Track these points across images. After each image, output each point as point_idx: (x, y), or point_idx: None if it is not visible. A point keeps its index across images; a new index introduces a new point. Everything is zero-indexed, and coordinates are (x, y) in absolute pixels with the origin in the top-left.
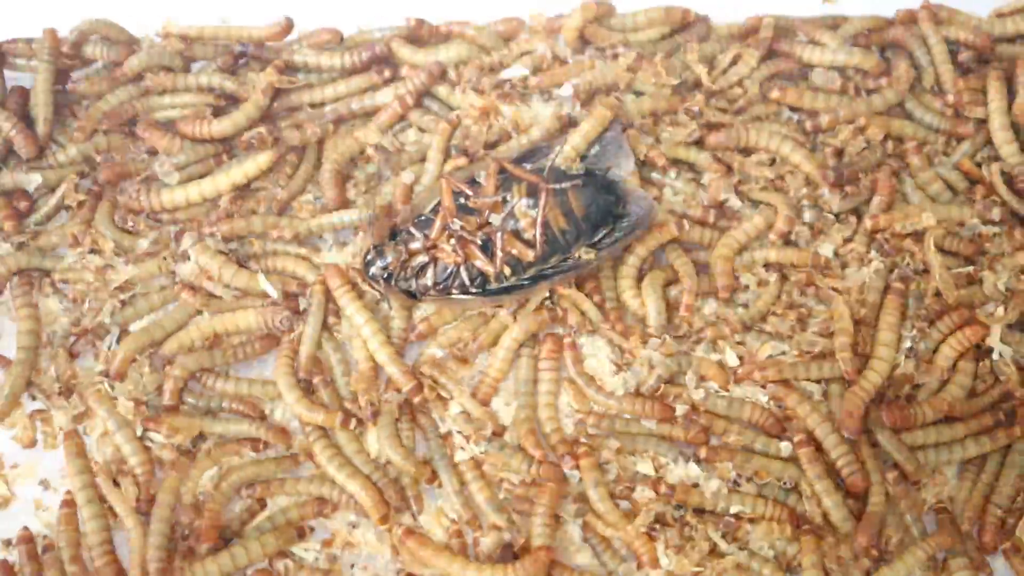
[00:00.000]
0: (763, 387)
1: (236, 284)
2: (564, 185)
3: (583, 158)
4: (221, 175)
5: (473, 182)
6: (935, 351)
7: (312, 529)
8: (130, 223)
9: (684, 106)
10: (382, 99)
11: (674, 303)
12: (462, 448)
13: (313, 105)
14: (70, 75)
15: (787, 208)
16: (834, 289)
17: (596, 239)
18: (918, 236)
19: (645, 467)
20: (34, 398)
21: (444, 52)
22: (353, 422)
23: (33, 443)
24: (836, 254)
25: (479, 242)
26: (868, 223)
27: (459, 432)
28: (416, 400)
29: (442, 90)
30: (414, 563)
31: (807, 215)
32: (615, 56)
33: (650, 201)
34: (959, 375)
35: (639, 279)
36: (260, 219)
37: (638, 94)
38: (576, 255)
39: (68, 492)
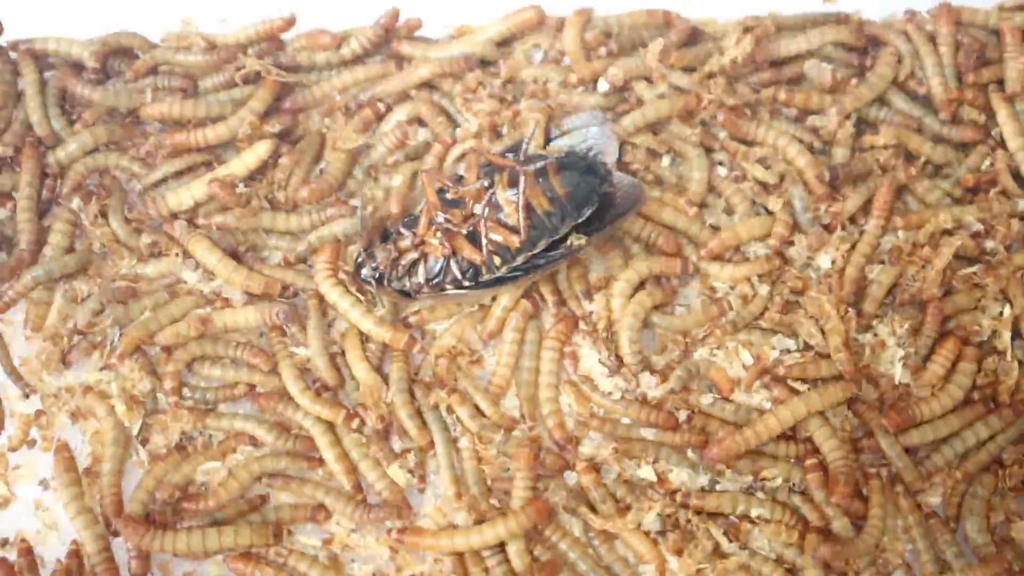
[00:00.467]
0: (767, 388)
1: (230, 277)
2: (539, 165)
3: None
4: (221, 169)
5: (459, 179)
6: (927, 358)
7: (291, 532)
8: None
9: (709, 98)
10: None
11: (661, 334)
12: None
13: (318, 102)
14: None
15: (785, 215)
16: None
17: (583, 219)
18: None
19: (646, 472)
20: (27, 396)
21: (456, 48)
22: (356, 421)
23: (19, 446)
24: (833, 262)
25: (465, 233)
26: (899, 221)
27: (465, 429)
28: (415, 350)
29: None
30: (413, 563)
31: (804, 222)
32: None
33: (638, 185)
34: (959, 375)
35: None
36: (256, 215)
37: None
38: (568, 243)
39: (74, 542)
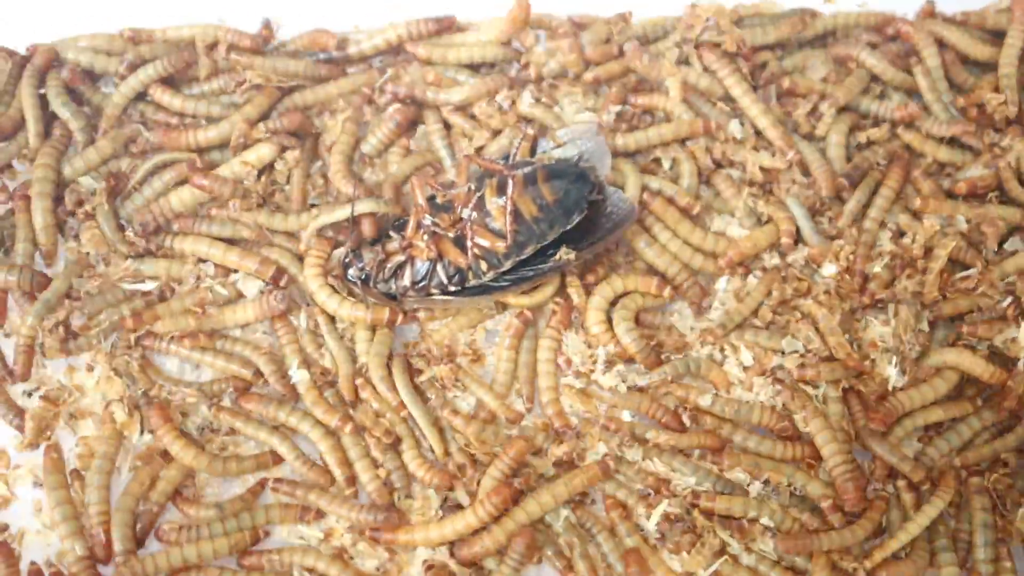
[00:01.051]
0: (772, 383)
1: (224, 258)
2: (527, 170)
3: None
4: (224, 168)
5: (450, 183)
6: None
7: (268, 533)
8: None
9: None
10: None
11: (648, 327)
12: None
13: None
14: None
15: (784, 213)
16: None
17: (571, 225)
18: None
19: (657, 466)
20: (29, 395)
21: (465, 53)
22: (351, 426)
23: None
24: (838, 270)
25: (452, 237)
26: (918, 203)
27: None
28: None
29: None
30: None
31: (808, 230)
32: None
33: (630, 204)
34: (939, 379)
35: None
36: (251, 210)
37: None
38: (557, 256)
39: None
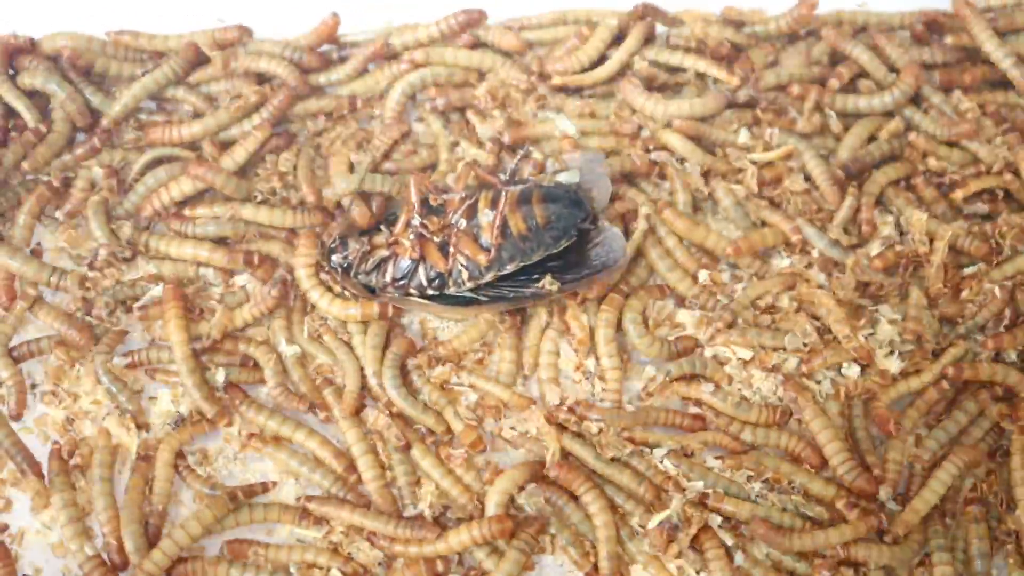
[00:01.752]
0: (773, 374)
1: (208, 257)
2: (520, 187)
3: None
4: (227, 158)
5: (448, 188)
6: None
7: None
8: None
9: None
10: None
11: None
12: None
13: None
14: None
15: (788, 222)
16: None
17: (558, 250)
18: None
19: (668, 465)
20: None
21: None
22: (324, 415)
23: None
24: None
25: (436, 241)
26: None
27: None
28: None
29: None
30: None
31: (819, 241)
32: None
33: (622, 242)
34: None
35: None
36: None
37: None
38: (540, 284)
39: None
